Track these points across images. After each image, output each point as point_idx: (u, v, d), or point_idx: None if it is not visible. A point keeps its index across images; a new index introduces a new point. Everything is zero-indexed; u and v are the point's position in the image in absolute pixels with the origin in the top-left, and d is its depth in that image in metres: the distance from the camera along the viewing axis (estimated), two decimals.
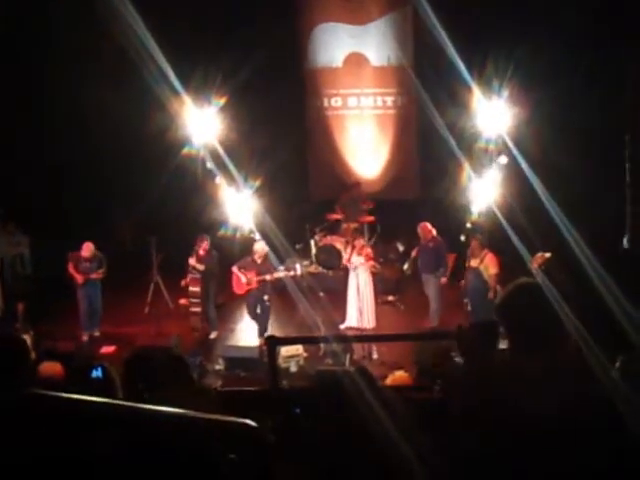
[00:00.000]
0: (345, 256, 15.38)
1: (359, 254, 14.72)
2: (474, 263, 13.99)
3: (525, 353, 3.70)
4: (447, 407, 4.21)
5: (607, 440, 3.48)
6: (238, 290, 14.87)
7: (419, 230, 15.19)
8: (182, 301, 15.65)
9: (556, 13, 15.97)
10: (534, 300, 3.76)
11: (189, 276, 15.05)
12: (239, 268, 14.71)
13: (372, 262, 14.81)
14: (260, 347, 13.18)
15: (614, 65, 16.15)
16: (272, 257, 14.65)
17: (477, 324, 7.07)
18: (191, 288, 15.01)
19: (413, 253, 15.51)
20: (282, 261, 15.05)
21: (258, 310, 14.66)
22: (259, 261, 14.60)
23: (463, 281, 14.48)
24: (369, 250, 14.90)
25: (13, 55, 16.04)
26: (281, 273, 14.71)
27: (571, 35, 15.70)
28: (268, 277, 14.56)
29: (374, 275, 15.19)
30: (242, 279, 14.63)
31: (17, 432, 3.37)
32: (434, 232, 15.18)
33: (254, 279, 14.55)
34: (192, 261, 14.96)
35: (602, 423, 3.48)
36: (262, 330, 14.52)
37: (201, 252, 14.95)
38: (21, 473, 3.41)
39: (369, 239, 17.55)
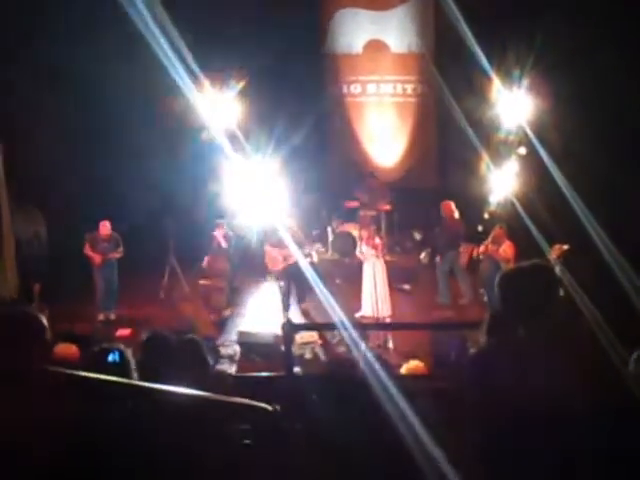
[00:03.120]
0: (358, 246, 15.33)
1: (367, 244, 14.67)
2: (493, 249, 13.94)
3: (529, 335, 3.69)
4: (457, 395, 4.20)
5: (616, 427, 3.47)
6: (274, 267, 14.97)
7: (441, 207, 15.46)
8: (203, 281, 15.68)
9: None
10: (537, 280, 3.75)
11: (211, 255, 15.17)
12: (272, 245, 14.81)
13: (378, 252, 14.70)
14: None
15: (637, 51, 16.02)
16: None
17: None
18: (217, 264, 15.13)
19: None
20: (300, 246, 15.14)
21: (282, 284, 14.77)
22: (289, 234, 14.73)
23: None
24: (377, 240, 14.81)
25: (36, 43, 16.04)
26: (308, 249, 14.94)
27: (591, 22, 15.60)
28: (308, 250, 14.77)
29: (388, 263, 15.17)
30: (278, 256, 14.74)
31: (32, 406, 3.38)
32: (452, 213, 15.42)
33: (290, 254, 14.67)
34: (219, 237, 15.10)
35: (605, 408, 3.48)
36: (298, 299, 14.88)
37: (216, 233, 15.13)
38: (34, 446, 3.43)
39: (385, 228, 17.54)
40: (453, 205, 15.47)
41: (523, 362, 3.59)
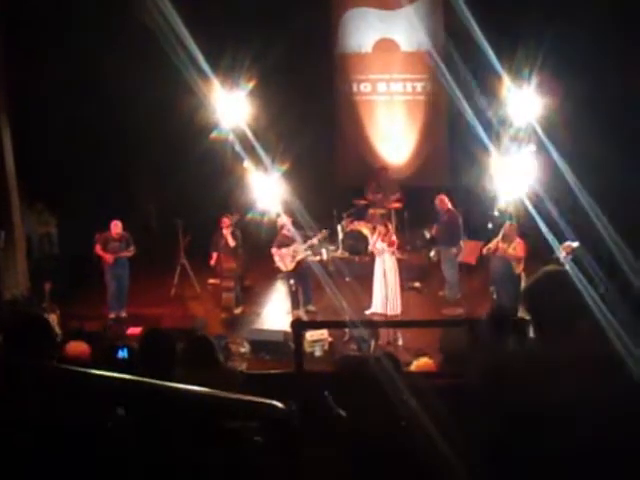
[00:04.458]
0: (371, 242, 15.34)
1: (383, 240, 14.67)
2: (503, 247, 13.91)
3: (552, 339, 3.68)
4: (468, 393, 4.20)
5: (632, 427, 3.45)
6: (287, 267, 14.93)
7: (436, 202, 15.65)
8: (212, 280, 15.73)
9: None
10: (561, 287, 3.73)
11: (220, 254, 15.17)
12: (279, 247, 14.82)
13: (394, 249, 14.71)
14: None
15: None
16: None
17: (494, 316, 7.07)
18: (225, 264, 15.10)
19: (433, 232, 15.79)
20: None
21: (292, 282, 14.77)
22: (290, 233, 14.72)
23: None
24: (393, 237, 14.82)
25: (47, 38, 16.08)
26: (314, 239, 14.96)
27: (601, 21, 15.57)
28: (315, 240, 14.75)
29: (400, 261, 15.18)
30: (288, 255, 14.75)
31: (38, 404, 3.41)
32: (449, 205, 15.66)
33: (299, 250, 14.68)
34: (227, 234, 15.09)
35: (628, 410, 3.46)
36: (304, 300, 14.74)
37: (225, 230, 15.10)
38: (42, 442, 3.46)
39: (396, 226, 17.53)
40: (447, 198, 15.70)
41: (546, 372, 3.58)
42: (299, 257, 14.80)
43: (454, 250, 15.48)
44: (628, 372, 3.56)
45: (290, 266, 14.92)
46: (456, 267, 15.51)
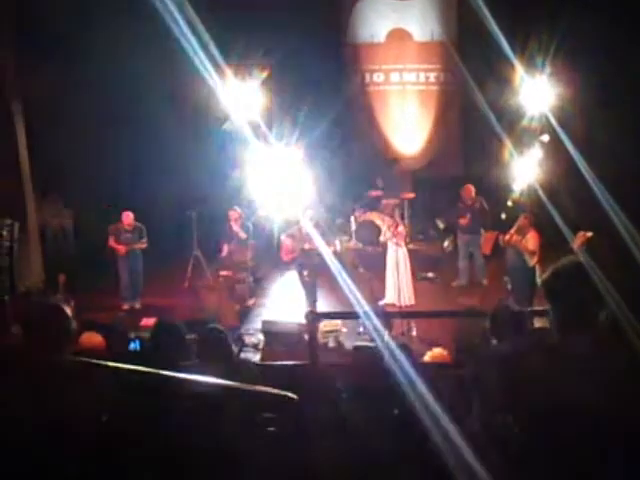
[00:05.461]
0: (382, 233, 15.32)
1: (389, 231, 14.65)
2: (517, 239, 13.88)
3: (570, 331, 3.67)
4: (478, 387, 4.19)
5: None
6: (285, 257, 14.97)
7: (464, 192, 15.61)
8: (223, 273, 15.72)
9: None
10: (578, 278, 3.73)
11: (231, 246, 15.17)
12: (286, 236, 14.80)
13: (400, 240, 14.63)
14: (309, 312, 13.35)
15: None
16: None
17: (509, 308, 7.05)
18: (237, 256, 15.12)
19: (463, 222, 15.63)
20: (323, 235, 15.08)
21: (305, 275, 14.72)
22: (304, 230, 14.66)
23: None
24: (399, 228, 14.76)
25: (57, 28, 16.08)
26: (324, 242, 14.85)
27: (613, 7, 15.50)
28: (307, 246, 14.61)
29: (411, 252, 15.15)
30: (287, 247, 14.73)
31: (55, 395, 3.42)
32: (473, 195, 15.69)
33: (298, 247, 14.63)
34: (236, 227, 15.10)
35: None
36: (309, 298, 14.65)
37: (233, 223, 15.10)
38: (59, 431, 3.47)
39: (409, 216, 17.51)
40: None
41: (564, 364, 3.58)
42: (295, 254, 14.76)
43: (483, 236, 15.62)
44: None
45: (287, 257, 14.93)
46: (465, 257, 15.66)
